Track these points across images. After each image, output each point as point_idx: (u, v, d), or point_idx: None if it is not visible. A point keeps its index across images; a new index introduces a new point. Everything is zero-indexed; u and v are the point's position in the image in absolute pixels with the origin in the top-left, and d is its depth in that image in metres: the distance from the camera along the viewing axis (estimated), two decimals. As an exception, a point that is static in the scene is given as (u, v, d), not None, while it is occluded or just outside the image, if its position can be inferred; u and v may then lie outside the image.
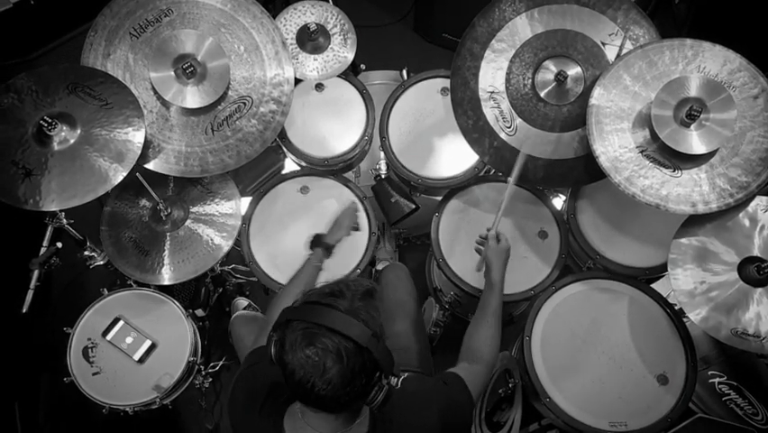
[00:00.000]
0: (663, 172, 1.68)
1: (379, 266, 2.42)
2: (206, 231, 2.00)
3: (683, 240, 1.74)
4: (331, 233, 1.76)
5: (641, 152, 1.70)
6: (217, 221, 2.02)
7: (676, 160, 1.68)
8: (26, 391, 2.50)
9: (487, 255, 1.74)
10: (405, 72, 2.42)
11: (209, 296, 2.47)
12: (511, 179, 1.77)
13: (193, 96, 1.83)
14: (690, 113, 1.61)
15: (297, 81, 2.07)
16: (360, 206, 1.88)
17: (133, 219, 2.02)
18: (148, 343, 1.98)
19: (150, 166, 1.86)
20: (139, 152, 1.72)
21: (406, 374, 1.28)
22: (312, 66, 2.10)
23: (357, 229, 1.84)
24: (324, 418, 1.18)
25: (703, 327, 1.66)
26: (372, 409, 1.16)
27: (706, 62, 1.69)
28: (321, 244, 1.70)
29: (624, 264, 1.99)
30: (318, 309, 1.10)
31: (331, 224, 1.78)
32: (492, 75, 1.88)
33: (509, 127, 1.89)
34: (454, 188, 2.16)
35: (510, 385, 1.97)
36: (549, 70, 1.84)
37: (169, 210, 1.97)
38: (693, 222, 1.74)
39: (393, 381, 1.15)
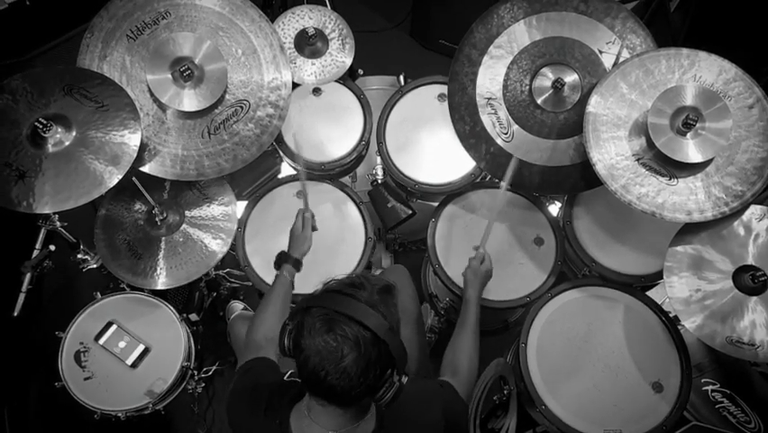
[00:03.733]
0: (659, 180, 1.69)
1: (377, 272, 2.42)
2: (201, 237, 1.99)
3: (679, 248, 1.74)
4: (294, 247, 1.75)
5: (637, 159, 1.70)
6: (212, 227, 2.01)
7: (672, 168, 1.69)
8: (16, 395, 2.47)
9: (466, 273, 1.80)
10: (402, 78, 2.42)
11: (203, 300, 2.46)
12: (503, 186, 1.77)
13: (190, 100, 1.82)
14: (687, 122, 1.62)
15: (295, 85, 2.06)
16: (309, 212, 1.80)
17: (128, 222, 2.01)
18: (141, 347, 1.96)
19: (145, 169, 1.84)
20: (135, 154, 1.70)
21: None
22: (310, 70, 2.09)
23: (315, 229, 1.82)
24: (331, 413, 1.18)
25: (698, 335, 1.66)
26: (381, 406, 1.16)
27: (701, 72, 1.70)
28: (289, 260, 1.70)
29: (619, 272, 1.99)
30: (339, 298, 1.12)
31: (291, 239, 1.77)
32: (490, 81, 1.88)
33: (506, 133, 1.89)
34: (451, 193, 2.16)
35: (505, 392, 1.96)
36: (546, 77, 1.85)
37: (165, 214, 1.96)
38: (689, 230, 1.75)
39: (404, 379, 1.16)
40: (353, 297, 1.11)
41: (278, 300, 1.61)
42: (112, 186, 1.67)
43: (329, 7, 2.23)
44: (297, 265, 1.71)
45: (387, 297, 1.16)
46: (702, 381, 1.97)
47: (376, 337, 1.08)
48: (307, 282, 1.90)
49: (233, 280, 2.54)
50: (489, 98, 1.89)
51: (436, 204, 2.18)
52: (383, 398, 1.14)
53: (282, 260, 1.71)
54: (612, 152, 1.70)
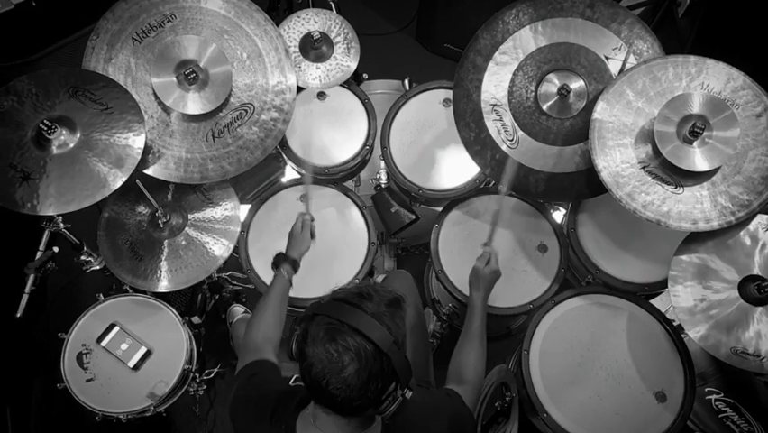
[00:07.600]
0: (665, 189, 1.68)
1: (378, 278, 2.41)
2: (203, 241, 1.99)
3: (684, 257, 1.73)
4: (292, 248, 1.74)
5: (643, 167, 1.69)
6: (215, 231, 2.00)
7: (678, 176, 1.67)
8: (18, 395, 2.47)
9: (471, 275, 1.72)
10: (407, 82, 2.41)
11: (206, 302, 2.46)
12: (503, 190, 1.76)
13: (194, 103, 1.82)
14: (693, 130, 1.61)
15: (300, 89, 2.06)
16: (309, 216, 1.81)
17: (131, 224, 2.00)
18: (143, 350, 1.96)
19: (149, 172, 1.84)
20: (139, 157, 1.71)
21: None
22: (314, 74, 2.09)
23: (313, 236, 1.82)
24: (335, 421, 1.18)
25: (703, 345, 1.65)
26: (384, 418, 1.16)
27: (709, 79, 1.69)
28: (287, 260, 1.69)
29: (623, 280, 1.98)
30: (344, 308, 1.11)
31: (289, 240, 1.76)
32: (495, 87, 1.87)
33: (511, 140, 1.89)
34: (455, 199, 2.15)
35: (507, 399, 1.95)
36: (552, 84, 1.84)
37: (168, 217, 1.96)
38: (694, 239, 1.73)
39: (408, 394, 1.15)
40: (359, 307, 1.11)
41: (276, 300, 1.60)
42: (116, 188, 1.67)
43: (334, 11, 2.23)
44: (295, 265, 1.70)
45: (394, 310, 1.15)
46: (706, 389, 1.95)
47: (378, 350, 1.07)
48: (309, 287, 1.92)
49: (235, 282, 2.54)
50: (494, 105, 1.88)
51: (440, 209, 2.17)
52: (386, 411, 1.13)
53: (280, 260, 1.70)
54: (618, 160, 1.69)
